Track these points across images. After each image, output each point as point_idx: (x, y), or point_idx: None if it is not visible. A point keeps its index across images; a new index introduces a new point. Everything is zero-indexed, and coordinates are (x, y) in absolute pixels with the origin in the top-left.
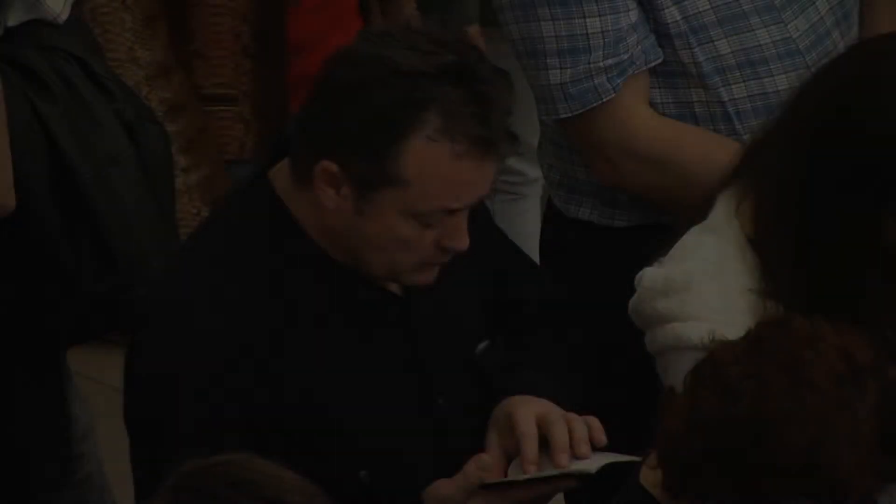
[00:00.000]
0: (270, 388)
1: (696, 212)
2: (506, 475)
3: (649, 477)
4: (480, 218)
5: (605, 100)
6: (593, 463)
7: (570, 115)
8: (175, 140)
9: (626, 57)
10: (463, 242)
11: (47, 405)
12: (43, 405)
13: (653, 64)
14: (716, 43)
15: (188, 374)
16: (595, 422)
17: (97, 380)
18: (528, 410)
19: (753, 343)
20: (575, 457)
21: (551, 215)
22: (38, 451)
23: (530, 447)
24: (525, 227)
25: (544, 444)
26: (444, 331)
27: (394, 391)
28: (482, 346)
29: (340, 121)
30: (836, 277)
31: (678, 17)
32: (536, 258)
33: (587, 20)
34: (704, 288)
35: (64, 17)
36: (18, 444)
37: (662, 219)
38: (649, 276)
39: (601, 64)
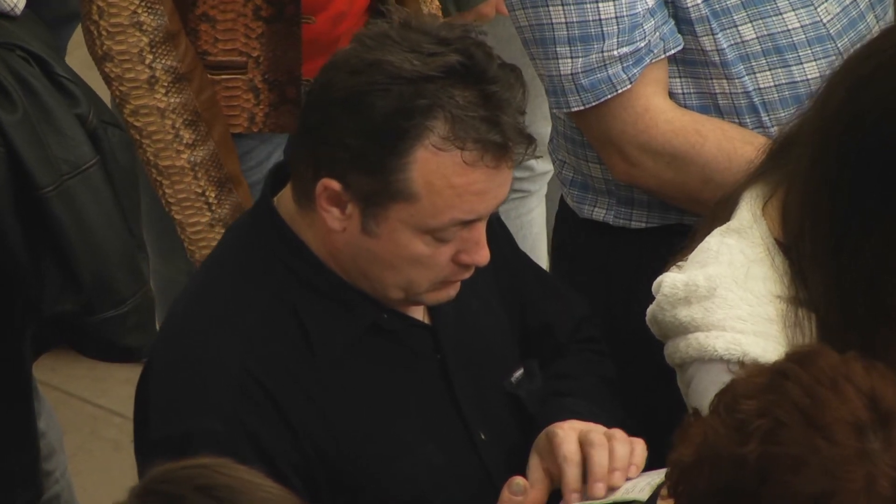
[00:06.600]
0: (291, 430)
1: (719, 212)
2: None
3: None
4: (497, 232)
5: (620, 91)
6: (645, 485)
7: (582, 107)
8: (180, 113)
9: (642, 44)
10: (483, 257)
11: (12, 422)
12: (7, 422)
13: (672, 52)
14: (740, 28)
15: (202, 424)
16: (639, 445)
17: (63, 390)
18: (571, 430)
19: (775, 377)
20: (610, 488)
21: (563, 215)
22: (2, 472)
23: (572, 473)
24: (532, 228)
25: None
26: (475, 360)
27: (430, 429)
28: (517, 375)
29: (339, 134)
30: (871, 283)
31: (699, 1)
32: (544, 261)
33: (600, 5)
34: (730, 295)
35: (21, 7)
36: None
37: (684, 220)
38: (669, 282)
39: (616, 52)
